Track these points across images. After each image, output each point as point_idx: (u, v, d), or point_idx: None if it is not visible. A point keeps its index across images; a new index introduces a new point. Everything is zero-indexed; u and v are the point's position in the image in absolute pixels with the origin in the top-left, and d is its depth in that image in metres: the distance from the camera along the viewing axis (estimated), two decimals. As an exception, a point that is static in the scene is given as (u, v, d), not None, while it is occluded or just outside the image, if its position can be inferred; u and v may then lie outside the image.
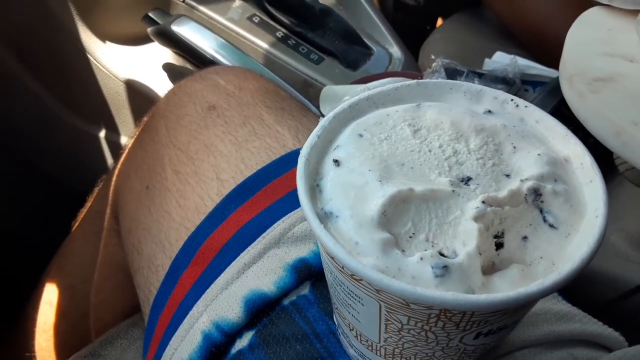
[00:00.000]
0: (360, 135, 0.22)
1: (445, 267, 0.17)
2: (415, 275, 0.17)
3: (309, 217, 0.18)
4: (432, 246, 0.18)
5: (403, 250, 0.18)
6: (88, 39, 0.71)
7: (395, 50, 0.72)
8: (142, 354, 0.38)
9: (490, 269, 0.18)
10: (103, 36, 0.72)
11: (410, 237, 0.18)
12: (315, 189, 0.20)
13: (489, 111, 0.23)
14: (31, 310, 0.58)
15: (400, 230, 0.18)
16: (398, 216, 0.18)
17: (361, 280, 0.17)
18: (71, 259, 0.58)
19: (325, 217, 0.19)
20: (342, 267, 0.18)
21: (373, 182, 0.19)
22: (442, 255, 0.17)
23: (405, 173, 0.20)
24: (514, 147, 0.21)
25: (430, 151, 0.21)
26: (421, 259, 0.17)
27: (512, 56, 0.57)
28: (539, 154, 0.20)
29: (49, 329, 0.56)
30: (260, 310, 0.31)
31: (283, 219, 0.33)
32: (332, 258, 0.18)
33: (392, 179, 0.20)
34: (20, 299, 0.63)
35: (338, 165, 0.21)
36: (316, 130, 0.22)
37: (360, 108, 0.23)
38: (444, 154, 0.20)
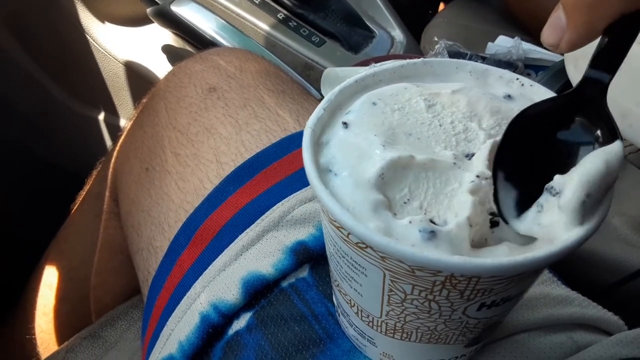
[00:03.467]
0: (374, 104, 0.22)
1: (432, 232, 0.17)
2: (402, 237, 0.17)
3: (315, 185, 0.18)
4: (425, 213, 0.18)
5: (395, 214, 0.18)
6: (87, 19, 0.70)
7: (398, 34, 0.71)
8: (141, 335, 0.38)
9: (482, 245, 0.18)
10: (102, 17, 0.71)
11: (405, 202, 0.18)
12: (320, 148, 0.21)
13: (509, 96, 0.23)
14: (31, 293, 0.58)
15: (396, 195, 0.19)
16: (396, 181, 0.19)
17: (366, 247, 0.17)
18: (71, 242, 0.58)
19: (325, 174, 0.19)
20: (348, 235, 0.18)
21: (376, 146, 0.19)
22: (432, 222, 0.18)
23: (411, 142, 0.20)
24: None
25: (440, 126, 0.21)
26: (410, 222, 0.17)
27: (515, 38, 0.57)
28: None
29: (49, 312, 0.56)
30: (259, 292, 0.31)
31: (282, 201, 0.33)
32: (337, 227, 0.18)
33: (396, 146, 0.20)
34: (19, 282, 0.63)
35: (346, 127, 0.21)
36: (323, 103, 0.22)
37: (366, 84, 0.23)
38: (454, 130, 0.21)
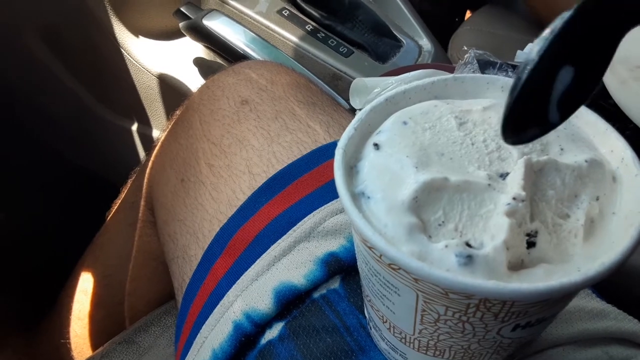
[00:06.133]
0: (405, 123, 0.22)
1: (469, 256, 0.17)
2: (437, 262, 0.17)
3: (348, 207, 0.19)
4: (460, 236, 0.18)
5: (430, 237, 0.18)
6: (122, 33, 0.72)
7: (425, 42, 0.71)
8: (174, 341, 0.39)
9: (518, 266, 0.18)
10: (136, 31, 0.73)
11: (440, 225, 0.18)
12: (352, 170, 0.21)
13: None
14: (66, 298, 0.60)
15: (430, 217, 0.18)
16: (430, 203, 0.18)
17: (399, 269, 0.17)
18: (106, 249, 0.59)
19: (357, 198, 0.19)
20: (380, 256, 0.18)
21: (409, 167, 0.19)
22: (468, 245, 0.17)
23: (444, 163, 0.20)
24: (562, 149, 0.20)
25: (473, 144, 0.21)
26: (446, 246, 0.17)
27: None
28: (585, 161, 0.20)
29: (84, 317, 0.58)
30: (290, 302, 0.31)
31: (314, 212, 0.33)
32: (370, 248, 0.18)
33: (429, 167, 0.20)
34: (55, 288, 0.65)
35: (378, 148, 0.21)
36: (353, 123, 0.22)
37: (397, 102, 0.23)
38: (487, 148, 0.20)
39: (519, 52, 0.63)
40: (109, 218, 0.59)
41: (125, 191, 0.57)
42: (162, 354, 0.49)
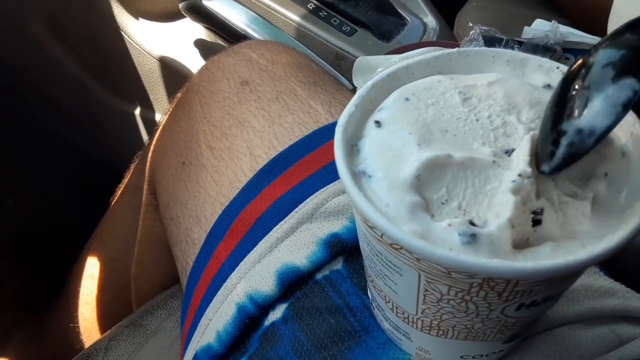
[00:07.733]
0: (407, 99, 0.21)
1: (473, 235, 0.16)
2: (440, 240, 0.17)
3: (348, 186, 0.18)
4: (464, 214, 0.17)
5: (433, 215, 0.18)
6: (122, 16, 0.72)
7: (430, 20, 0.70)
8: (180, 324, 0.40)
9: (524, 245, 0.17)
10: (136, 13, 0.73)
11: (443, 203, 0.18)
12: (353, 149, 0.20)
13: (549, 86, 0.22)
14: (74, 283, 0.60)
15: (433, 195, 0.18)
16: (432, 181, 0.18)
17: (401, 249, 0.17)
18: (111, 234, 0.59)
19: (358, 176, 0.19)
20: (381, 236, 0.18)
21: (411, 145, 0.19)
22: (472, 224, 0.17)
23: (447, 140, 0.19)
24: None
25: (477, 120, 0.20)
26: (449, 225, 0.17)
27: (552, 22, 0.55)
28: None
29: (92, 301, 0.59)
30: (293, 284, 0.31)
31: (316, 194, 0.33)
32: (371, 227, 0.18)
33: (432, 144, 0.19)
34: (62, 272, 0.66)
35: (379, 126, 0.20)
36: (354, 100, 0.21)
37: (399, 77, 0.23)
38: (492, 124, 0.20)
39: (526, 28, 0.62)
40: (113, 202, 0.60)
41: (129, 175, 0.57)
42: (169, 337, 0.50)
